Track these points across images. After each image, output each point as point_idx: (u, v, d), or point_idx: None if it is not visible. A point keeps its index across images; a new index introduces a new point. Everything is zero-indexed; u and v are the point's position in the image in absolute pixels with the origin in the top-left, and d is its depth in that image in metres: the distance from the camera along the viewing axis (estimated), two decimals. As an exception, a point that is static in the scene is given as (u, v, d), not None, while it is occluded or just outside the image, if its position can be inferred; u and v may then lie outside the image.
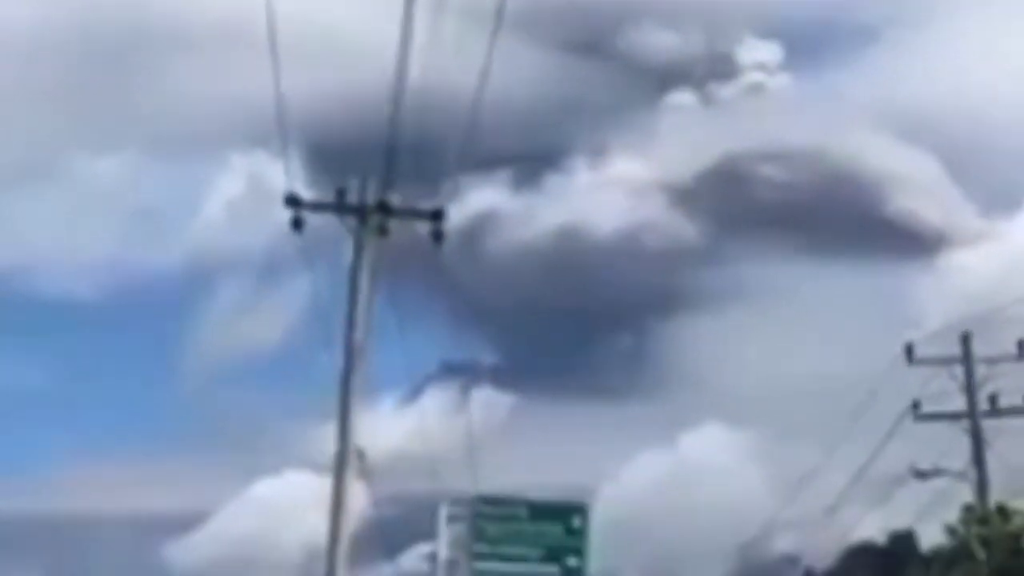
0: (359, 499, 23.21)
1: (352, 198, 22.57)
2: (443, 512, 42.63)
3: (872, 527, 39.82)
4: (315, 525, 21.66)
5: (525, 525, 41.32)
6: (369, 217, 22.53)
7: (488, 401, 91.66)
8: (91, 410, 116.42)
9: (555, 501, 43.16)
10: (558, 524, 41.19)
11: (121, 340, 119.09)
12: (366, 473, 22.84)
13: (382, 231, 22.57)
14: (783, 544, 47.52)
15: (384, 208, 22.45)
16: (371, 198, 22.48)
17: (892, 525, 38.25)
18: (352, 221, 22.59)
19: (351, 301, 22.46)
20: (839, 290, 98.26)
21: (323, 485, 21.92)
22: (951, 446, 32.22)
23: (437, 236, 22.59)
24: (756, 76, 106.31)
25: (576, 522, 41.37)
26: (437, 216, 22.56)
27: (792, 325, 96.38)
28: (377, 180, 22.20)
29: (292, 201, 22.21)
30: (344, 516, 21.54)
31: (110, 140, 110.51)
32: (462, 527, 42.31)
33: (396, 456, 34.43)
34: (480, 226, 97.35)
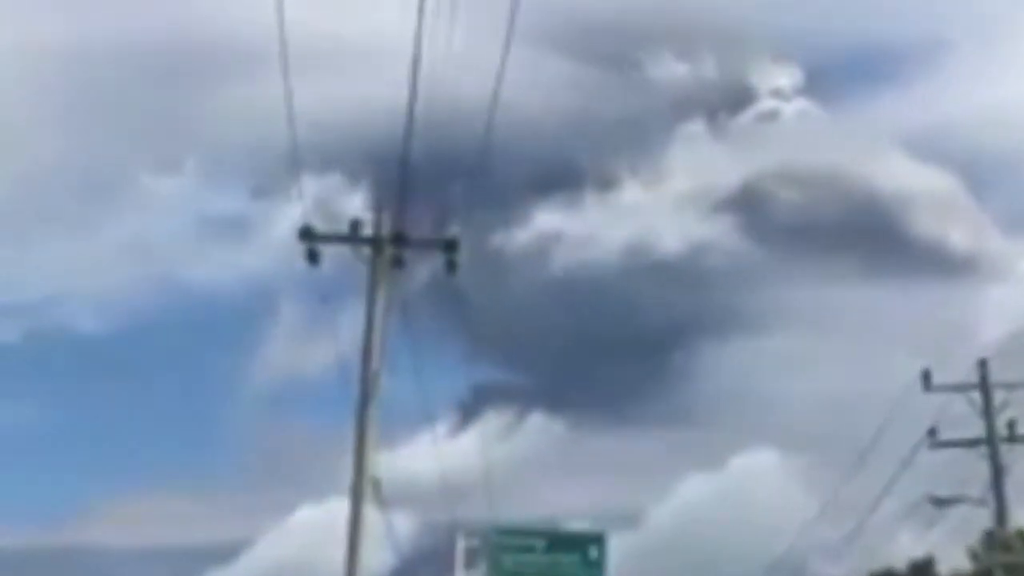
0: (377, 527, 23.14)
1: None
2: (460, 544, 42.46)
3: (902, 551, 39.64)
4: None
5: (542, 556, 41.10)
6: (384, 248, 22.52)
7: (540, 426, 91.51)
8: (136, 442, 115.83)
9: (573, 531, 42.99)
10: (575, 554, 40.98)
11: (168, 369, 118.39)
12: (382, 502, 22.78)
13: (397, 262, 22.53)
14: (819, 569, 47.28)
15: (399, 239, 22.43)
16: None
17: (919, 550, 38.07)
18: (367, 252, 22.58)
19: (366, 332, 22.41)
20: (871, 313, 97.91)
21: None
22: (973, 471, 32.00)
23: (451, 266, 22.57)
24: (772, 102, 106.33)
25: (593, 552, 41.13)
26: (451, 246, 22.53)
27: (830, 348, 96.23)
28: (404, 209, 22.11)
29: (306, 234, 22.17)
30: (360, 544, 21.52)
31: (171, 160, 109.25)
32: (482, 559, 42.16)
33: (438, 486, 34.14)
34: (512, 255, 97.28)
